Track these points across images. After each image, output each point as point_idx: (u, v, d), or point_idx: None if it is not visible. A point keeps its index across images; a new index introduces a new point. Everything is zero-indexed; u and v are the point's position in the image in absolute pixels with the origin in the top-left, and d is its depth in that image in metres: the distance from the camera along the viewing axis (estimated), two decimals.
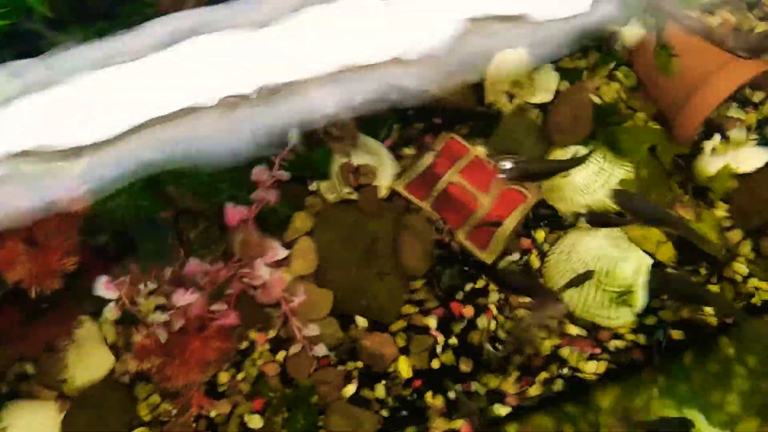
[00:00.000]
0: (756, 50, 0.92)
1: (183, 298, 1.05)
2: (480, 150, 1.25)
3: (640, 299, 1.14)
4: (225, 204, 1.13)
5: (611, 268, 1.13)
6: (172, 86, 0.97)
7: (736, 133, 1.22)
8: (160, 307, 1.04)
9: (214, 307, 1.07)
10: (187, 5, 1.04)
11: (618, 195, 1.16)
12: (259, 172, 1.15)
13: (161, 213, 1.17)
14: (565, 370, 1.11)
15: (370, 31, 0.99)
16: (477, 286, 1.18)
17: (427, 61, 0.99)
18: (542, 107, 1.26)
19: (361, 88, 1.00)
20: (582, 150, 1.20)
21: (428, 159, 1.23)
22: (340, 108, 1.03)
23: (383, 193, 1.23)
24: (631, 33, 1.23)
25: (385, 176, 1.24)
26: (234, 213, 1.14)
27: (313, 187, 1.25)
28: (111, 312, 1.04)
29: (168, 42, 0.97)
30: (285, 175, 1.15)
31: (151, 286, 1.05)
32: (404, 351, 1.14)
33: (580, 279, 1.13)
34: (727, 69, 1.15)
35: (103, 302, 1.04)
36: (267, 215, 1.16)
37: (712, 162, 1.21)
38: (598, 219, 1.16)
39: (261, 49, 0.99)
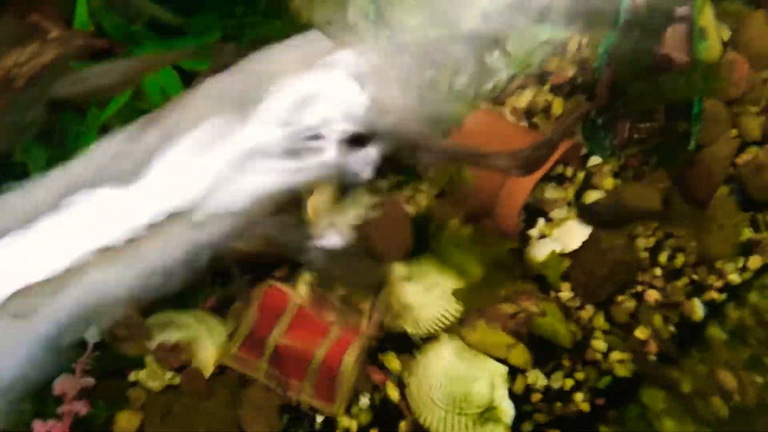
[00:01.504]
0: (528, 166, 0.90)
1: None
2: (303, 290, 1.15)
3: (507, 411, 1.07)
4: (32, 423, 1.01)
5: (466, 391, 1.06)
6: None
7: (557, 213, 1.21)
8: None
9: None
10: None
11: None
12: (61, 385, 1.02)
13: None
14: None
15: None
16: None
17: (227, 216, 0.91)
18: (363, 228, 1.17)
19: (157, 258, 0.90)
20: None
21: (249, 319, 1.12)
22: (137, 286, 0.92)
23: (210, 368, 1.11)
24: None
25: (208, 349, 1.12)
26: (43, 430, 1.01)
27: (133, 377, 1.11)
28: None
29: None
30: (91, 381, 1.03)
31: None
32: None
33: None
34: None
35: None
36: (84, 423, 1.03)
37: (541, 247, 1.18)
38: None
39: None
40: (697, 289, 1.18)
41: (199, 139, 0.90)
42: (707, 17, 1.20)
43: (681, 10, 1.10)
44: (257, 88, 0.88)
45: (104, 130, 0.89)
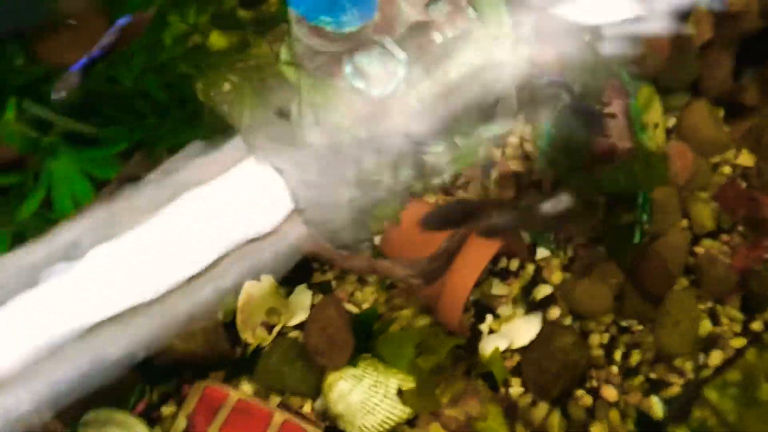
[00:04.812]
0: (427, 277, 0.88)
1: None
2: (245, 389, 1.13)
3: None
4: None
5: None
6: None
7: (504, 309, 1.18)
8: None
9: None
10: None
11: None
12: None
13: None
14: None
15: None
16: None
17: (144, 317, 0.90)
18: (303, 328, 1.16)
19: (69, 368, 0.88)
20: None
21: (181, 423, 1.09)
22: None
23: None
24: None
25: None
26: None
27: None
28: None
29: None
30: None
31: None
32: None
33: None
34: (470, 249, 1.10)
35: None
36: None
37: (491, 343, 1.15)
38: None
39: None
40: (656, 386, 1.13)
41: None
42: (653, 110, 1.19)
43: (616, 104, 1.09)
44: (171, 197, 0.89)
45: (19, 239, 0.91)
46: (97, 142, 0.97)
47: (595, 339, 1.16)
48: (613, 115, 1.03)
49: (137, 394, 1.10)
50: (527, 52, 1.07)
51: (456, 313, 1.11)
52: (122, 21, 0.95)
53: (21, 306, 0.81)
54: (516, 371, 1.15)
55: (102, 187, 0.88)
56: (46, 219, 0.91)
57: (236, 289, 1.07)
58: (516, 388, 1.14)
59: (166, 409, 1.12)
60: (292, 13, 0.98)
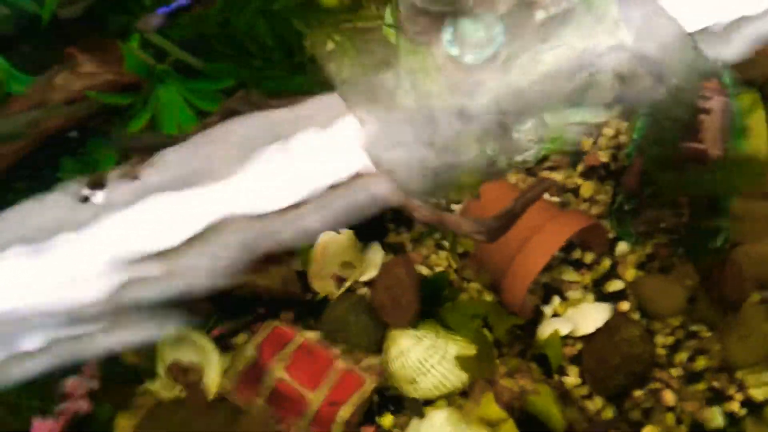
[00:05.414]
0: (491, 234, 0.89)
1: None
2: (310, 334, 1.18)
3: None
4: (33, 418, 1.08)
5: None
6: None
7: (573, 293, 1.18)
8: None
9: None
10: None
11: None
12: (71, 384, 1.11)
13: None
14: None
15: None
16: None
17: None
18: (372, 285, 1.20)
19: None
20: None
21: (250, 352, 1.16)
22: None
23: (213, 390, 1.15)
24: None
25: (213, 373, 1.16)
26: (41, 427, 1.08)
27: (147, 386, 1.17)
28: None
29: None
30: (96, 384, 1.10)
31: None
32: None
33: None
34: (545, 231, 1.11)
35: None
36: (84, 422, 1.10)
37: (550, 327, 1.15)
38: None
39: None
40: (717, 396, 1.11)
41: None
42: (756, 117, 1.16)
43: (712, 103, 1.07)
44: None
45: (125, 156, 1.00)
46: (204, 75, 1.06)
47: (660, 340, 1.14)
48: (707, 111, 1.01)
49: (214, 321, 1.18)
50: (629, 41, 1.07)
51: (520, 293, 1.12)
52: None
53: None
54: (575, 360, 1.15)
55: (204, 116, 0.96)
56: None
57: (314, 235, 1.12)
58: (572, 378, 1.14)
59: (239, 339, 1.20)
60: None
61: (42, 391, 1.09)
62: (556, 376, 1.14)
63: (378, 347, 1.17)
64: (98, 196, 0.92)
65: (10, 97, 1.12)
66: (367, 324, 1.17)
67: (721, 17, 1.10)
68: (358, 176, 0.92)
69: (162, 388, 1.17)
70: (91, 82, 1.02)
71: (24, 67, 1.16)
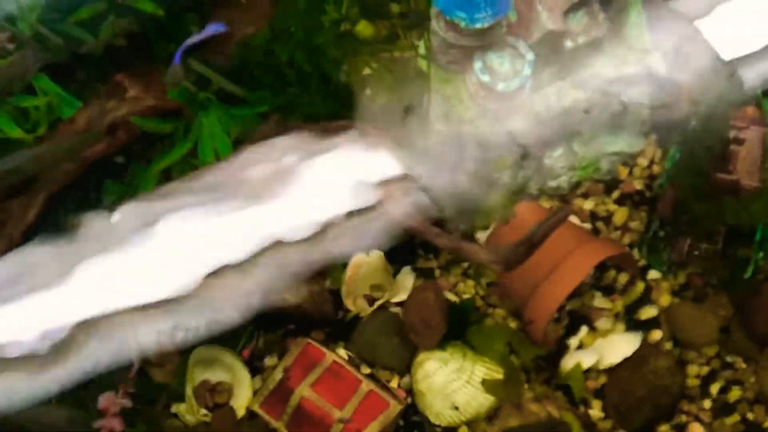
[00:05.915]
0: (508, 262, 0.89)
1: None
2: (341, 353, 1.20)
3: None
4: None
5: None
6: None
7: (603, 323, 1.17)
8: None
9: None
10: None
11: None
12: (105, 400, 1.14)
13: None
14: None
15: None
16: None
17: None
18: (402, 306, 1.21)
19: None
20: None
21: (279, 371, 1.18)
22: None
23: (241, 413, 1.17)
24: None
25: (242, 393, 1.18)
26: None
27: (174, 409, 1.19)
28: None
29: None
30: (128, 403, 1.13)
31: None
32: None
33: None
34: (570, 260, 1.10)
35: None
36: None
37: (574, 358, 1.14)
38: None
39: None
40: (750, 429, 1.09)
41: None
42: None
43: (748, 133, 1.06)
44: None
45: (167, 176, 1.04)
46: (243, 102, 1.10)
47: (693, 369, 1.13)
48: (740, 141, 1.01)
49: (246, 337, 1.20)
50: (661, 69, 1.07)
51: (541, 326, 1.11)
52: (213, 28, 1.09)
53: None
54: (599, 394, 1.14)
55: (239, 145, 1.00)
56: (190, 164, 1.05)
57: (342, 258, 1.15)
58: (596, 411, 1.13)
59: (269, 361, 1.21)
60: (433, 8, 1.06)
61: (80, 402, 1.12)
62: (581, 408, 1.13)
63: (407, 368, 1.18)
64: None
65: (60, 122, 1.18)
66: (397, 344, 1.18)
67: (757, 44, 1.09)
68: (381, 201, 0.94)
69: (186, 412, 1.19)
70: (135, 107, 1.07)
71: (76, 92, 1.22)
